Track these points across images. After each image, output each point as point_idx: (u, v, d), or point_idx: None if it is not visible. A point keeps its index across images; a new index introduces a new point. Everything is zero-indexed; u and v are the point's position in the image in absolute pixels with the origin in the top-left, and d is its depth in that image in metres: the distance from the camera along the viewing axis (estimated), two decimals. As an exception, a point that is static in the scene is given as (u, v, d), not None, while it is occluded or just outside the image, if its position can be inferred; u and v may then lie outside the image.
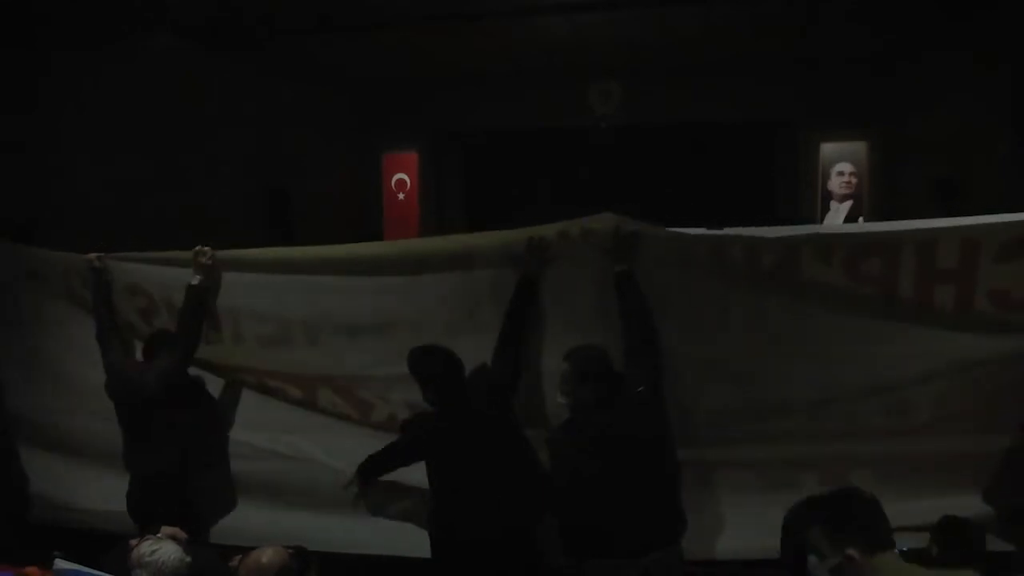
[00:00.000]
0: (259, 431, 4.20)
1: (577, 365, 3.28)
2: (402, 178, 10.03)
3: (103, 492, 4.18)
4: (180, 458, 3.88)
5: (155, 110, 6.56)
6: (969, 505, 3.31)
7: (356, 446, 3.92)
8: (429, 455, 3.48)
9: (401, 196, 10.05)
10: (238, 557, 3.02)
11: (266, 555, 2.80)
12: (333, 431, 4.08)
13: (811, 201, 9.02)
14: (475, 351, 3.52)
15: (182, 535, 3.01)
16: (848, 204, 8.93)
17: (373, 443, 3.83)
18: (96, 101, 6.21)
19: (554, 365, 3.46)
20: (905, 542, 3.10)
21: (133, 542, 2.84)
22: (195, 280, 3.88)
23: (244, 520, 4.12)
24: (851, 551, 2.00)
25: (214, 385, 4.22)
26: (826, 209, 8.99)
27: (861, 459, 3.55)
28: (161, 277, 4.08)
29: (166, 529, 3.04)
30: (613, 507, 3.15)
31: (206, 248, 3.91)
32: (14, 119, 5.66)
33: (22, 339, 4.50)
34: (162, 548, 2.77)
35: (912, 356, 3.39)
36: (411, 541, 3.73)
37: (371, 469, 3.71)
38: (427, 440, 3.48)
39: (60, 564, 2.88)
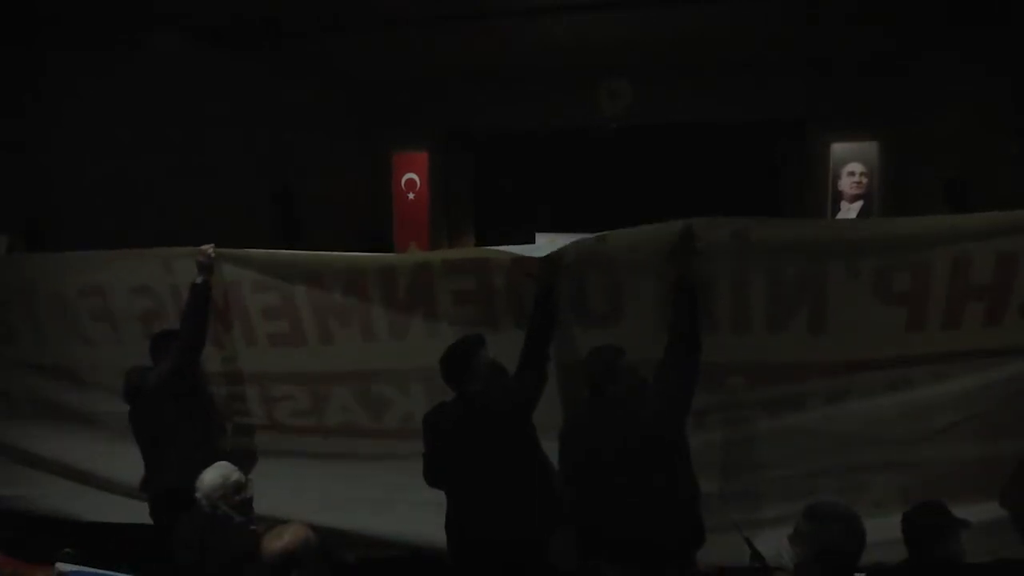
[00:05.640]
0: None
1: (596, 364, 3.29)
2: (412, 178, 10.03)
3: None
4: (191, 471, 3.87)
5: (162, 110, 6.58)
6: (987, 510, 3.29)
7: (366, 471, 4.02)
8: (445, 446, 3.42)
9: (411, 196, 10.05)
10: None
11: (288, 532, 2.80)
12: (342, 458, 4.13)
13: (822, 201, 8.99)
14: (493, 354, 3.48)
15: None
16: (859, 204, 8.90)
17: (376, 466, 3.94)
18: (99, 101, 6.21)
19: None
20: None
21: None
22: (199, 279, 3.86)
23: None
24: None
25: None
26: (837, 209, 8.96)
27: (880, 465, 3.53)
28: (169, 277, 4.08)
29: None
30: (620, 507, 3.14)
31: (208, 247, 3.89)
32: (14, 119, 5.67)
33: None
34: (207, 471, 3.23)
35: (934, 362, 3.37)
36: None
37: (433, 480, 3.53)
38: (444, 429, 3.41)
39: (62, 567, 2.90)
